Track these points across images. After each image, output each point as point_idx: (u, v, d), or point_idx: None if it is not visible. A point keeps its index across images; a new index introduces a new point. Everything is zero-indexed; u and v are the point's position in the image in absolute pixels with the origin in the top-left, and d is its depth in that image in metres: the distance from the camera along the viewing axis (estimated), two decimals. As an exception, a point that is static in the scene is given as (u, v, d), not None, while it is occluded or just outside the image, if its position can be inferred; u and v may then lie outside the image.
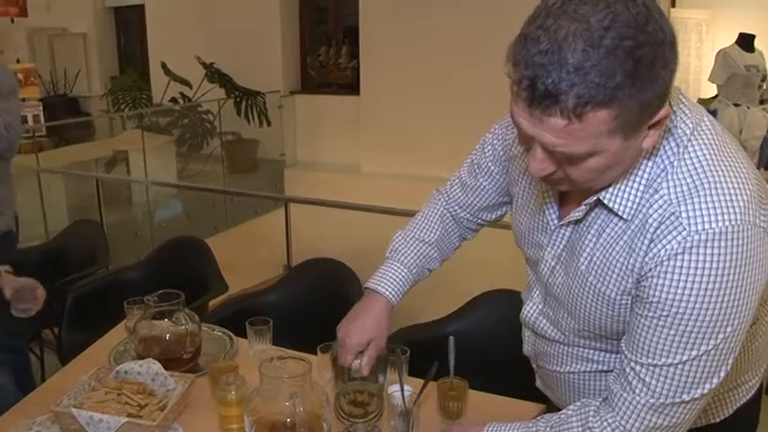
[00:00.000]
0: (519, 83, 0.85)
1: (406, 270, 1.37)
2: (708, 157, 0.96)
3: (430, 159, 6.29)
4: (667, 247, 0.93)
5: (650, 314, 0.96)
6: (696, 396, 0.98)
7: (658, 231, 0.94)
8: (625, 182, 0.98)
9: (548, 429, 1.12)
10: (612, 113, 0.83)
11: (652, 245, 0.95)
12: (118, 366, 1.58)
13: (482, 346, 1.87)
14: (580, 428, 1.07)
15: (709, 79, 5.43)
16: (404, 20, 6.36)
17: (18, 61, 8.87)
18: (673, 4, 5.94)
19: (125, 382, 1.53)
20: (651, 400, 0.99)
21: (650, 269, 0.95)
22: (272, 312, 1.93)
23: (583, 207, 1.03)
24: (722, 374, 0.98)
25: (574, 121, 0.84)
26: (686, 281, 0.91)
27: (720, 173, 0.94)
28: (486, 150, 1.33)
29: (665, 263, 0.93)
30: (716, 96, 5.38)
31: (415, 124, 6.41)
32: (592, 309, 1.07)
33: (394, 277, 1.36)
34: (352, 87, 7.21)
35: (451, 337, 1.50)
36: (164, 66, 7.32)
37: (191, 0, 7.82)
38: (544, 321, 1.22)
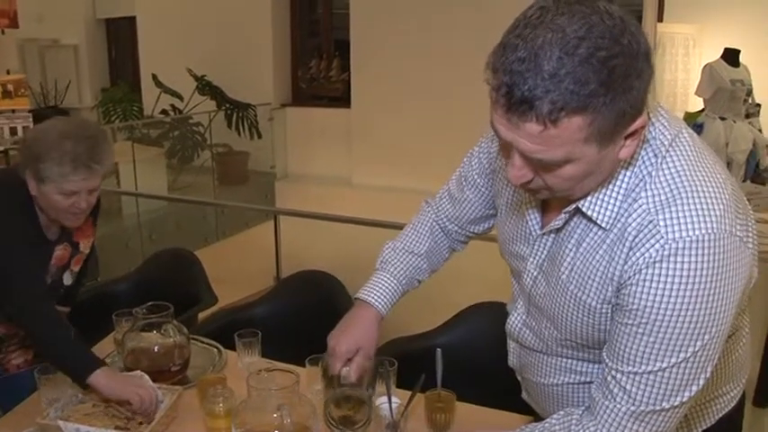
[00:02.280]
0: (497, 89, 0.88)
1: (395, 281, 1.38)
2: (686, 167, 0.98)
3: (421, 172, 6.30)
4: (645, 255, 0.94)
5: (629, 322, 0.98)
6: (676, 404, 0.99)
7: (637, 240, 0.96)
8: (604, 191, 1.00)
9: None
10: (587, 120, 0.86)
11: (631, 253, 0.96)
12: (106, 379, 1.57)
13: (469, 358, 1.88)
14: None
15: (695, 93, 5.48)
16: (395, 33, 6.40)
17: (8, 72, 8.84)
18: (660, 19, 6.00)
19: (113, 395, 1.53)
20: (632, 408, 1.00)
21: (629, 277, 0.97)
22: (261, 324, 1.93)
23: (563, 215, 1.05)
24: (701, 382, 0.99)
25: (549, 126, 0.86)
26: (664, 288, 0.93)
27: (698, 182, 0.96)
28: (472, 163, 1.35)
29: (644, 271, 0.94)
30: (703, 110, 5.43)
31: (407, 137, 6.43)
32: (573, 317, 1.08)
33: (383, 288, 1.37)
34: (343, 100, 7.24)
35: (438, 350, 1.51)
36: (155, 78, 7.32)
37: (182, 12, 7.84)
38: (527, 332, 1.23)
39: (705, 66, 5.33)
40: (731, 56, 5.29)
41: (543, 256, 1.14)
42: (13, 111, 6.16)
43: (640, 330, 0.97)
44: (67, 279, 1.89)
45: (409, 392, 1.45)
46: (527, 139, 0.89)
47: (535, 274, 1.16)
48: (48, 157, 1.60)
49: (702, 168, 0.98)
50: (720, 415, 1.22)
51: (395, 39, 6.41)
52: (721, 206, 0.94)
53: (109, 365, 1.59)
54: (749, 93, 5.34)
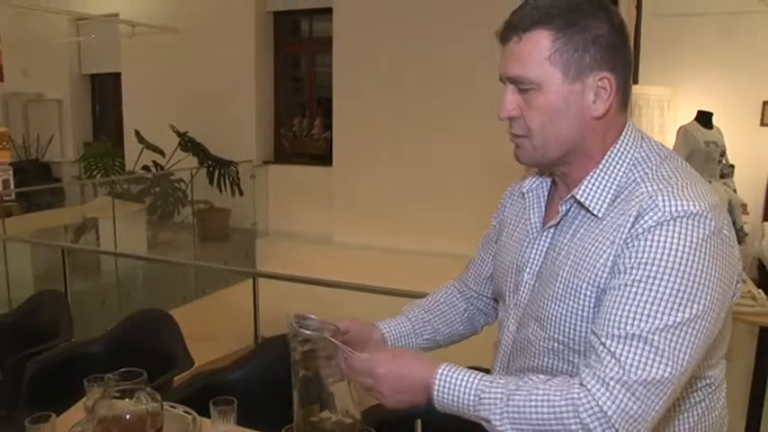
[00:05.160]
0: (500, 32, 1.15)
1: (406, 320, 1.45)
2: (681, 172, 1.10)
3: (402, 231, 6.33)
4: (644, 225, 1.03)
5: (621, 282, 1.02)
6: (666, 375, 0.98)
7: (639, 216, 1.04)
8: (597, 184, 1.13)
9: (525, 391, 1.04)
10: (551, 37, 1.09)
11: (633, 227, 1.04)
12: (74, 450, 1.53)
13: (451, 427, 1.84)
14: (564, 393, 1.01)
15: (671, 154, 5.60)
16: (376, 92, 6.51)
17: (-9, 125, 8.85)
18: (635, 82, 6.18)
19: (80, 467, 1.48)
20: (623, 377, 0.98)
21: (628, 244, 1.04)
22: (238, 389, 1.90)
23: (561, 208, 1.16)
24: (686, 364, 0.99)
25: (522, 37, 1.11)
26: (657, 248, 1.01)
27: (692, 182, 1.08)
28: (490, 224, 1.47)
29: (641, 236, 1.03)
30: (679, 170, 5.53)
31: (388, 196, 6.48)
32: (559, 306, 1.12)
33: (392, 322, 1.44)
34: (325, 158, 7.29)
35: (418, 420, 1.48)
36: (137, 134, 7.35)
37: (166, 69, 7.94)
38: (515, 349, 1.25)
39: (680, 128, 5.46)
40: (704, 118, 5.43)
41: (540, 261, 1.21)
42: (-5, 164, 6.14)
43: (633, 290, 1.01)
44: None
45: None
46: (510, 58, 1.13)
47: (532, 282, 1.21)
48: None
49: (695, 177, 1.11)
50: None
51: (376, 97, 6.52)
52: (713, 201, 1.04)
53: None
54: (723, 153, 5.46)
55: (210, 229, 7.38)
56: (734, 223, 5.35)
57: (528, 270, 1.23)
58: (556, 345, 1.14)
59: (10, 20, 8.28)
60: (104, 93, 9.47)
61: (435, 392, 1.09)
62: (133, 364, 1.71)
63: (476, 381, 1.07)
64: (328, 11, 6.83)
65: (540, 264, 1.21)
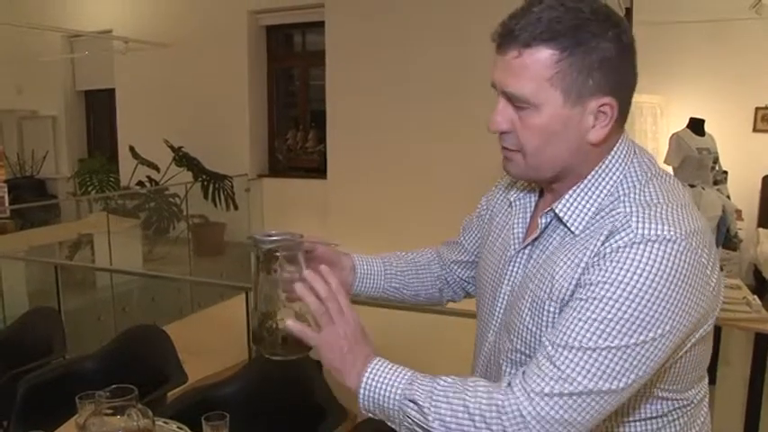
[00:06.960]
0: (497, 35, 1.05)
1: (379, 259, 1.45)
2: (665, 193, 1.05)
3: (398, 242, 6.29)
4: (614, 245, 0.99)
5: (581, 296, 0.99)
6: (600, 388, 0.96)
7: (610, 235, 1.00)
8: (579, 199, 1.09)
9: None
10: (554, 57, 1.00)
11: (602, 245, 1.00)
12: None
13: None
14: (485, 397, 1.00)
15: (664, 161, 5.60)
16: (370, 105, 6.52)
17: (-16, 143, 8.86)
18: (628, 90, 6.21)
19: (71, 485, 1.47)
20: (554, 385, 0.96)
21: (594, 263, 1.00)
22: (232, 403, 1.89)
23: (541, 221, 1.13)
24: (631, 380, 0.97)
25: (522, 53, 1.01)
26: (622, 269, 0.96)
27: (674, 204, 1.02)
28: (475, 209, 1.44)
29: (609, 255, 0.99)
30: (672, 178, 5.54)
31: (383, 208, 6.47)
32: (524, 316, 1.11)
33: (365, 256, 1.44)
34: (319, 171, 7.30)
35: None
36: (132, 150, 7.36)
37: (160, 85, 7.95)
38: (492, 358, 1.24)
39: (672, 135, 5.48)
40: (696, 125, 5.45)
41: (519, 273, 1.18)
42: (-12, 182, 6.11)
43: (587, 305, 0.98)
44: None
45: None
46: (504, 68, 1.04)
47: (509, 295, 1.20)
48: None
49: (680, 198, 1.05)
50: None
51: (370, 110, 6.53)
52: (692, 227, 0.99)
53: None
54: (716, 160, 5.47)
55: (206, 244, 7.37)
56: (728, 229, 5.37)
57: (506, 282, 1.21)
58: (522, 357, 1.13)
59: (3, 37, 8.30)
60: (98, 109, 9.48)
61: (367, 375, 1.06)
62: (127, 380, 1.70)
63: (408, 372, 1.06)
64: (321, 24, 6.85)
65: (519, 276, 1.19)
